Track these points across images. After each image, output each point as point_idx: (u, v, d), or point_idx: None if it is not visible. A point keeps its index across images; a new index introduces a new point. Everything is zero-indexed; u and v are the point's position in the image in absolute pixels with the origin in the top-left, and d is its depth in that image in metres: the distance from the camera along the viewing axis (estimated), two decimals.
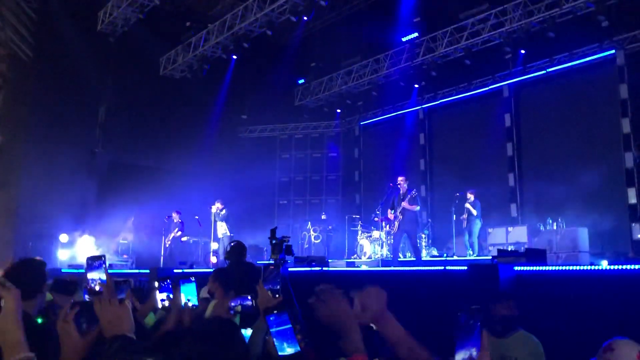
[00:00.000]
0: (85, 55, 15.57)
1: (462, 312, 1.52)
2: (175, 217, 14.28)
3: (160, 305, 3.44)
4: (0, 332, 1.51)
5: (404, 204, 10.47)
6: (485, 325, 1.57)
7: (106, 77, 16.77)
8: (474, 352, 1.45)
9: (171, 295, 3.41)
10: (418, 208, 10.65)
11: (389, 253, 13.19)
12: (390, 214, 10.83)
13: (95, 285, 2.66)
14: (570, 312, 4.92)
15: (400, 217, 10.56)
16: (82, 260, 13.50)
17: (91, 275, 2.78)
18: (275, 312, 2.13)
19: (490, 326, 3.86)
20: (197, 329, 2.39)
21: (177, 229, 14.20)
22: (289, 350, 2.09)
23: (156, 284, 3.48)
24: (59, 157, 15.11)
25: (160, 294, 3.44)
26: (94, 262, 2.86)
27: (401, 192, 10.65)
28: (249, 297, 2.98)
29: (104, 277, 2.73)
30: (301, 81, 19.51)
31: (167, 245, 14.25)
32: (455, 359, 1.46)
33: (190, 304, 3.15)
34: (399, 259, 11.00)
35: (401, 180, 10.73)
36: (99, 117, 17.05)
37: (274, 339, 2.10)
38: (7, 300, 1.55)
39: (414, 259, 10.71)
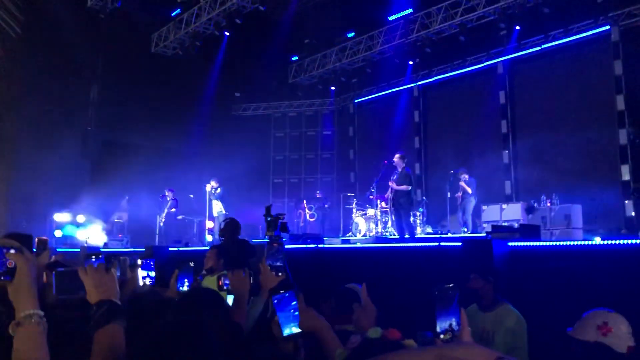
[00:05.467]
0: (76, 32, 15.31)
1: (437, 287, 1.57)
2: (169, 194, 14.24)
3: (141, 283, 3.42)
4: (14, 292, 1.63)
5: (391, 183, 10.46)
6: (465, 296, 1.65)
7: (97, 55, 16.54)
8: (454, 323, 1.51)
9: (152, 274, 3.40)
10: (408, 187, 10.28)
11: (383, 230, 13.21)
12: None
13: None
14: (563, 286, 4.96)
15: (390, 195, 10.60)
16: (78, 238, 13.52)
17: None
18: (281, 291, 2.10)
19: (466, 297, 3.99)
20: (182, 298, 2.40)
21: (171, 206, 14.17)
22: (293, 330, 2.08)
23: (139, 261, 3.47)
24: (52, 136, 14.97)
25: (142, 272, 3.43)
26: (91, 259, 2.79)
27: (399, 170, 10.53)
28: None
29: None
30: (294, 58, 19.30)
31: (162, 224, 14.24)
32: (437, 328, 1.53)
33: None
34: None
35: (396, 158, 10.63)
36: (91, 95, 16.87)
37: (280, 320, 2.08)
38: (20, 265, 1.65)
39: (408, 236, 10.68)
